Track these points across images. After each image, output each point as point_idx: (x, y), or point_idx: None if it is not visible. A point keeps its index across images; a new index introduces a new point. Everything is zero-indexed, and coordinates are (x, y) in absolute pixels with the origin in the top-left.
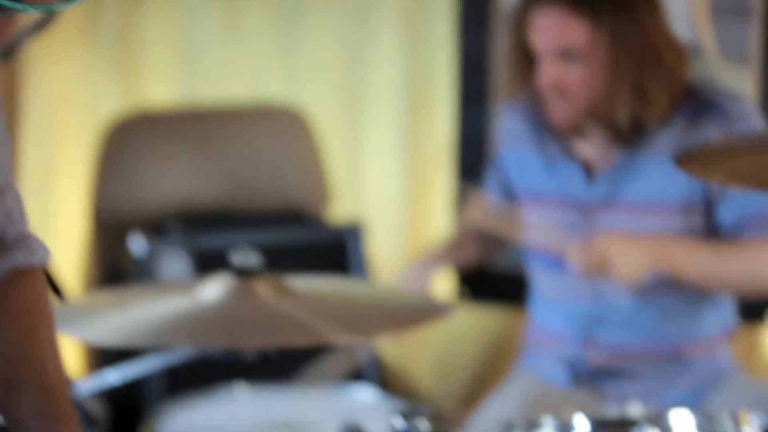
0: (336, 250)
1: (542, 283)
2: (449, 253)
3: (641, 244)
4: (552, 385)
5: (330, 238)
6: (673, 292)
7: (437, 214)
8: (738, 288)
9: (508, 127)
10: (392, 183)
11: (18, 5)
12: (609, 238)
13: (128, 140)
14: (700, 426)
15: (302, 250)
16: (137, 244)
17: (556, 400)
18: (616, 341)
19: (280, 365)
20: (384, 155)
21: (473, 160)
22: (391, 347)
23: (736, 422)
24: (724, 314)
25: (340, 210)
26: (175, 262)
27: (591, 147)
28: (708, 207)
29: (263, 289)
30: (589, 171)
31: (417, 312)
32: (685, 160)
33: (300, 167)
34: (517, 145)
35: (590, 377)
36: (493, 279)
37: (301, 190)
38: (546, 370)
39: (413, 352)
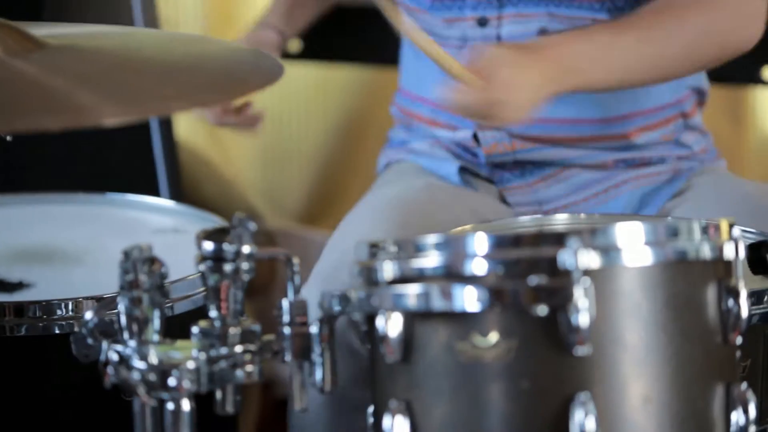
0: None
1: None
2: (283, 20)
3: (531, 64)
4: (438, 182)
5: None
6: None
7: None
8: (691, 68)
9: None
10: None
11: None
12: (489, 63)
13: None
14: (655, 241)
15: None
16: None
17: (444, 208)
18: None
19: (23, 160)
20: None
21: None
22: (192, 132)
23: (712, 236)
24: None
25: None
26: None
27: None
28: None
29: None
30: None
31: (233, 76)
32: None
33: None
34: None
35: (488, 174)
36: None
37: None
38: (426, 160)
39: (227, 139)
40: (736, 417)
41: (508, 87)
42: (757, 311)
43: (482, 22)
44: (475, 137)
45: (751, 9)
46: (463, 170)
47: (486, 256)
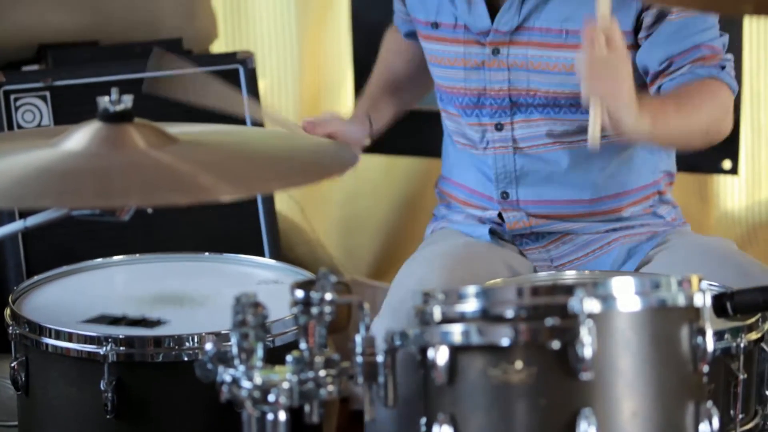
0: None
1: (455, 128)
2: (366, 121)
3: (642, 101)
4: (474, 243)
5: (218, 74)
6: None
7: (335, 40)
8: (699, 143)
9: None
10: (282, 7)
11: None
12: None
13: None
14: (642, 292)
15: None
16: None
17: (480, 259)
18: (536, 200)
19: (160, 228)
20: None
21: None
22: (288, 207)
23: (685, 288)
24: (662, 156)
25: (225, 48)
26: (32, 107)
27: None
28: (634, 41)
29: (138, 137)
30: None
31: (319, 163)
32: None
33: None
34: None
35: (512, 239)
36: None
37: (182, 21)
38: (463, 227)
39: (314, 210)
40: (704, 428)
41: (622, 59)
42: (719, 346)
43: (498, 127)
44: (500, 216)
45: (729, 109)
46: (491, 232)
47: (513, 303)
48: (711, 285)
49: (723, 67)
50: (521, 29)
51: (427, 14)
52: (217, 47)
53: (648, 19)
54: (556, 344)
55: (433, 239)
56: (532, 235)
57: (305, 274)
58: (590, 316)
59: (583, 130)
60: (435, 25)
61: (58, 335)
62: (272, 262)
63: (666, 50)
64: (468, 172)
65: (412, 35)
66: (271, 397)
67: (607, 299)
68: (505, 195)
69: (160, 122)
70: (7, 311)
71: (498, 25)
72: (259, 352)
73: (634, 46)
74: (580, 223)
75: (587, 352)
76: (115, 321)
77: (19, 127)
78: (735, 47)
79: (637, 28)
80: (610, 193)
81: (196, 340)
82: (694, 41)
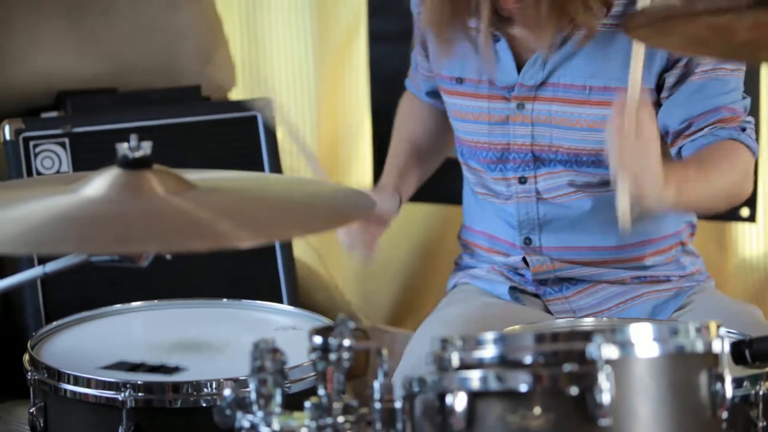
0: (244, 133)
1: (477, 181)
2: (396, 195)
3: (666, 170)
4: (494, 300)
5: (237, 120)
6: None
7: (353, 88)
8: (721, 206)
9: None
10: (300, 56)
11: None
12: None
13: None
14: (660, 338)
15: (204, 134)
16: (6, 132)
17: (500, 316)
18: (559, 246)
19: (179, 274)
20: (289, 25)
21: (388, 24)
22: (306, 253)
23: (703, 334)
24: None
25: (244, 95)
26: (51, 153)
27: (521, 27)
28: (657, 96)
29: (157, 183)
30: (518, 53)
31: (338, 209)
32: (636, 25)
33: (198, 40)
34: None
35: (534, 290)
36: None
37: (201, 68)
38: (484, 284)
39: (332, 256)
40: None
41: (651, 142)
42: (738, 393)
43: (522, 181)
44: (524, 260)
45: (750, 171)
46: (513, 289)
47: (531, 349)
48: (729, 332)
49: (743, 129)
50: (546, 84)
51: (451, 69)
52: (236, 95)
53: (671, 79)
54: (574, 390)
55: (453, 298)
56: (557, 285)
57: (323, 321)
58: (608, 362)
59: (605, 182)
60: (459, 81)
61: (77, 381)
62: (290, 308)
63: (686, 111)
64: (490, 221)
65: (432, 94)
66: None
67: (625, 345)
68: (528, 241)
69: (178, 169)
70: (26, 357)
71: (523, 79)
72: (278, 398)
73: (654, 104)
74: (603, 269)
75: (605, 398)
76: (134, 368)
77: (39, 173)
78: (752, 94)
79: (659, 87)
80: (634, 241)
81: (214, 386)
82: (716, 103)
